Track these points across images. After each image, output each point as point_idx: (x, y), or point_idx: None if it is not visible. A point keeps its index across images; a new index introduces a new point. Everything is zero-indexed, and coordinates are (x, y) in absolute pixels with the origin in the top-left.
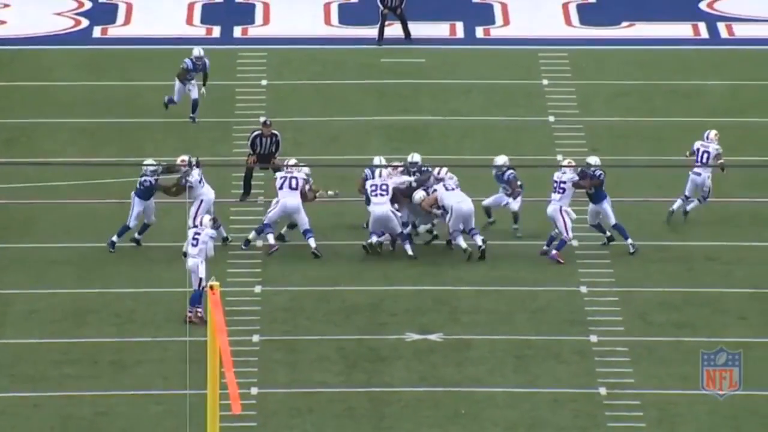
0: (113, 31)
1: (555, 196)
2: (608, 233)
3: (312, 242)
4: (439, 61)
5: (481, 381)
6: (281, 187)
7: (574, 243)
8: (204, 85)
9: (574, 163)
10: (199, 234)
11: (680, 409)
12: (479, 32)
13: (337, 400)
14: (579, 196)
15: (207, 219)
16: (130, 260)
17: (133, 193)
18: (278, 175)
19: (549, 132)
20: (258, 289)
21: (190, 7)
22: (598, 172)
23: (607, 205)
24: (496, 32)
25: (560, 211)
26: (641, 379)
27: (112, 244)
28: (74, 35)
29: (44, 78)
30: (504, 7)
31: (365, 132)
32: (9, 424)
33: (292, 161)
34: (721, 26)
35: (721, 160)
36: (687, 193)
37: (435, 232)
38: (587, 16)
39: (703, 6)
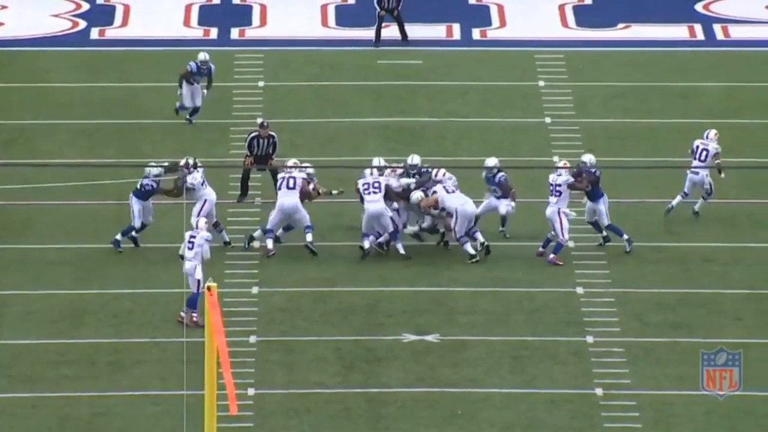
0: (111, 33)
1: (552, 199)
2: (604, 233)
3: (309, 236)
4: (435, 63)
5: (478, 382)
6: (279, 188)
7: (570, 244)
8: (209, 88)
9: (569, 165)
10: (194, 237)
11: (676, 410)
12: (476, 34)
13: (334, 400)
14: (577, 196)
15: (203, 222)
16: (127, 261)
17: (131, 193)
18: (279, 176)
19: (545, 133)
20: (255, 290)
21: (188, 8)
22: (593, 169)
23: (603, 205)
24: (492, 34)
25: (558, 213)
26: (637, 380)
27: (117, 242)
28: (72, 37)
29: (42, 79)
30: (500, 8)
31: (362, 133)
32: (7, 425)
33: (291, 162)
34: (717, 28)
35: (719, 161)
36: (686, 190)
37: (441, 229)
38: (583, 18)
39: (699, 8)
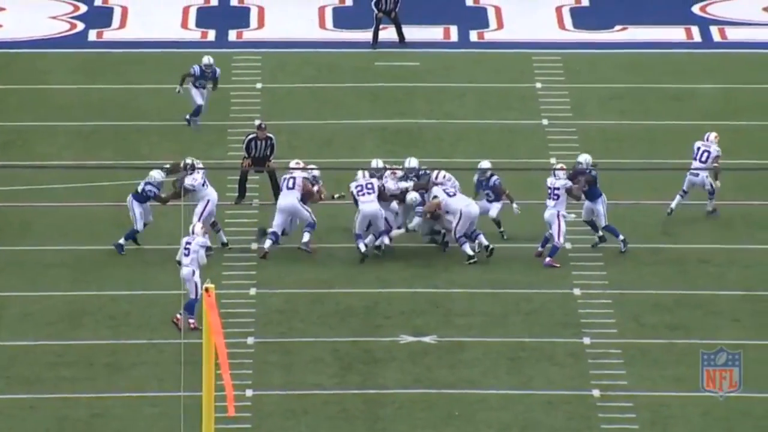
0: (109, 35)
1: (550, 202)
2: (600, 233)
3: (306, 236)
4: (433, 65)
5: (475, 383)
6: (281, 188)
7: (567, 246)
8: (214, 89)
9: (566, 167)
10: (190, 243)
11: (673, 411)
12: (473, 36)
13: (331, 401)
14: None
15: (199, 227)
16: (125, 263)
17: (130, 196)
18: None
19: (542, 135)
20: (253, 291)
21: (185, 10)
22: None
23: (601, 206)
24: (489, 36)
25: (557, 216)
26: (634, 381)
27: (121, 246)
28: (70, 39)
29: (40, 81)
30: (497, 10)
31: (359, 135)
32: (5, 426)
33: (293, 163)
34: (713, 30)
35: (717, 164)
36: (684, 188)
37: (441, 231)
38: (580, 20)
39: (695, 10)
